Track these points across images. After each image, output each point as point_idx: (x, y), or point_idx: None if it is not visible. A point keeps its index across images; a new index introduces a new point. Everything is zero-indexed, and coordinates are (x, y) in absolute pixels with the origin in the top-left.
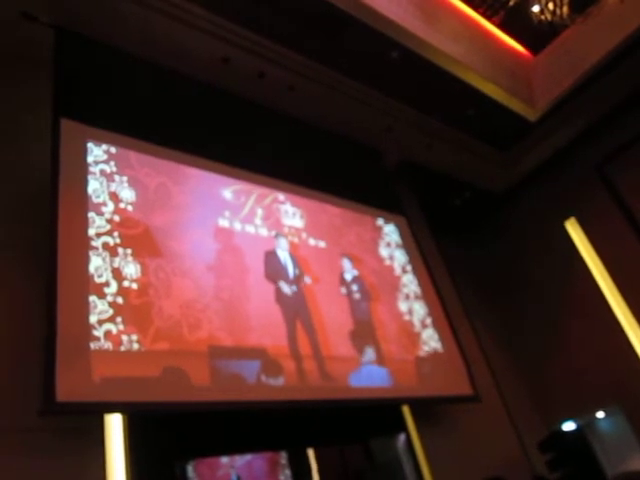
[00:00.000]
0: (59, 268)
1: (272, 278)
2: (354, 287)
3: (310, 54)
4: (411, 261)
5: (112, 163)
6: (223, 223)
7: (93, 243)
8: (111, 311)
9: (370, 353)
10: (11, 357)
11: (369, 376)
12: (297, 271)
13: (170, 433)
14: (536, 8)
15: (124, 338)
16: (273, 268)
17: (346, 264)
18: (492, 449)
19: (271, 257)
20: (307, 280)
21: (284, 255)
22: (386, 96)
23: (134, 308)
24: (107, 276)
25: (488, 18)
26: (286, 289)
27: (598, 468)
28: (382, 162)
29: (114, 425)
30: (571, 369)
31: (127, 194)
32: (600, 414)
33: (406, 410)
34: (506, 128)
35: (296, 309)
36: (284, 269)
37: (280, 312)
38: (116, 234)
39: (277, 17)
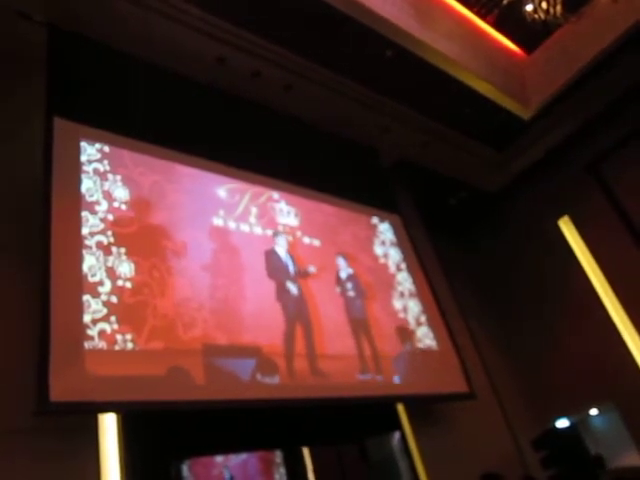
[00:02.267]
0: (52, 267)
1: (275, 277)
2: (349, 285)
3: (306, 53)
4: (405, 259)
5: (105, 162)
6: (217, 222)
7: (87, 242)
8: (105, 310)
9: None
10: (3, 357)
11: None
12: (297, 269)
13: (165, 432)
14: (530, 7)
15: (118, 337)
16: (275, 267)
17: (341, 262)
18: (486, 447)
19: (271, 255)
20: (312, 270)
21: (284, 253)
22: (382, 95)
23: (128, 307)
24: (101, 275)
25: (482, 17)
26: (291, 287)
27: (591, 465)
28: (378, 161)
29: (108, 425)
30: (565, 366)
31: (121, 193)
32: (594, 411)
33: (401, 408)
34: (500, 127)
35: (298, 307)
36: (285, 267)
37: (280, 311)
38: (110, 233)
39: (272, 17)
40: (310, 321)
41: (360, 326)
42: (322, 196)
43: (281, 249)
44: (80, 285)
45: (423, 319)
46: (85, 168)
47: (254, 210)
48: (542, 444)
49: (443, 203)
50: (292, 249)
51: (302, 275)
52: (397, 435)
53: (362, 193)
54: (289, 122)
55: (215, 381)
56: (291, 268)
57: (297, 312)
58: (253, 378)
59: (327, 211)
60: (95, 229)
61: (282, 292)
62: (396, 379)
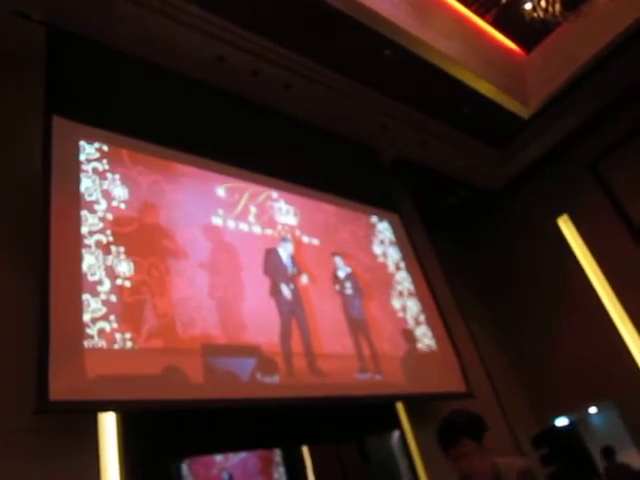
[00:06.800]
0: (52, 266)
1: (270, 275)
2: (347, 284)
3: (304, 52)
4: (405, 258)
5: (104, 161)
6: (217, 221)
7: (86, 241)
8: (104, 309)
9: None
10: (3, 357)
11: None
12: (295, 270)
13: (164, 431)
14: (528, 5)
15: (117, 336)
16: (273, 266)
17: (338, 261)
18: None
19: (272, 255)
20: (305, 280)
21: (286, 255)
22: (381, 94)
23: (127, 306)
24: (100, 274)
25: (481, 16)
26: (284, 288)
27: (590, 463)
28: (377, 160)
29: (108, 424)
30: (564, 365)
31: (120, 192)
32: (593, 409)
33: (400, 407)
34: (500, 126)
35: (292, 307)
36: (284, 268)
37: (275, 309)
38: (109, 232)
39: (271, 16)
40: (306, 320)
41: (359, 325)
42: (321, 195)
43: (284, 252)
44: (80, 284)
45: (422, 318)
46: (84, 167)
47: (253, 209)
48: (542, 442)
49: (442, 202)
50: (296, 253)
51: (297, 278)
52: (397, 434)
53: (361, 192)
54: (288, 121)
55: (214, 380)
56: (289, 270)
57: (291, 312)
58: (253, 378)
59: (326, 210)
60: (94, 228)
61: (276, 291)
62: (395, 378)
